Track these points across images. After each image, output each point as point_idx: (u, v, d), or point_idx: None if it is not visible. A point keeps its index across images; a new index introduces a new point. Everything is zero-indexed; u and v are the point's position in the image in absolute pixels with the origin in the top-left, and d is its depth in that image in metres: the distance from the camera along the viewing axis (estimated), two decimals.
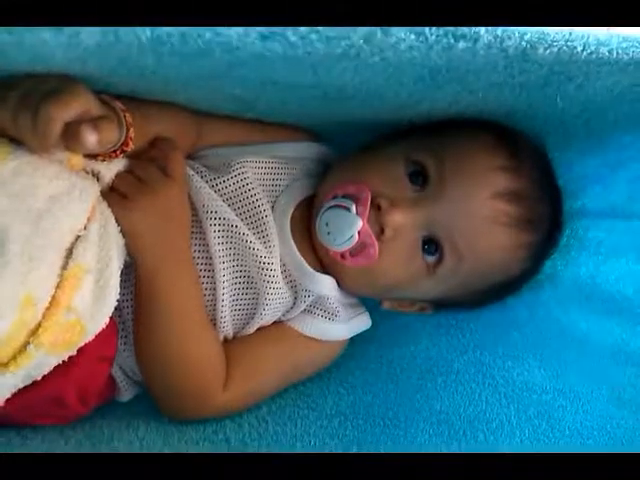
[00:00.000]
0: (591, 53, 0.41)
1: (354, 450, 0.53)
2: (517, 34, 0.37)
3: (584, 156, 0.63)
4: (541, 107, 0.53)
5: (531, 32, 0.38)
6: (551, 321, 0.62)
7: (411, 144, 0.57)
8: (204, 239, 0.56)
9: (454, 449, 0.52)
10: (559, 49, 0.40)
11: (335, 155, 0.65)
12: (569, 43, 0.40)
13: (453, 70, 0.43)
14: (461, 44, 0.37)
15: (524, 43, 0.38)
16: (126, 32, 0.36)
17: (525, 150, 0.58)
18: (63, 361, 0.49)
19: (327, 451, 0.53)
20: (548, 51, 0.40)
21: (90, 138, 0.42)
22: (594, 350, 0.59)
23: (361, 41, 0.36)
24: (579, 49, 0.40)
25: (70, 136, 0.42)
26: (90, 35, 0.36)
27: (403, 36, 0.35)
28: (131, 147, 0.49)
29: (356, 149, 0.61)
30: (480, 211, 0.54)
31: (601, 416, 0.55)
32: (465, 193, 0.54)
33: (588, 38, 0.40)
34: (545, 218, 0.58)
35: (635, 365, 0.57)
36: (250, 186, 0.57)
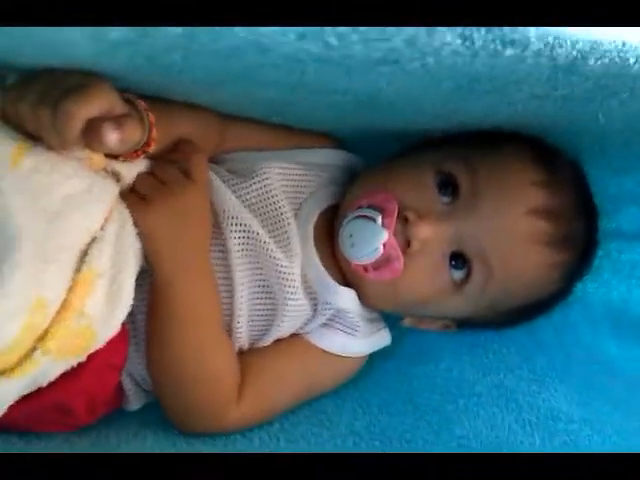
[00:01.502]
0: None
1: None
2: (569, 42, 0.35)
3: (621, 175, 0.61)
4: (581, 122, 0.51)
5: (583, 41, 0.35)
6: (579, 345, 0.59)
7: (442, 154, 0.55)
8: (224, 245, 0.54)
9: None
10: (610, 60, 0.38)
11: (362, 163, 0.62)
12: (621, 54, 0.38)
13: (495, 80, 0.41)
14: (509, 51, 0.35)
15: (575, 52, 0.36)
16: (155, 27, 0.34)
17: (562, 166, 0.56)
18: (72, 368, 0.47)
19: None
20: (599, 62, 0.37)
21: (112, 137, 0.41)
22: (624, 378, 0.57)
23: (403, 44, 0.34)
24: (631, 61, 0.38)
25: (91, 134, 0.41)
26: (118, 29, 0.34)
27: (449, 39, 0.33)
28: (153, 148, 0.48)
29: (384, 158, 0.59)
30: (514, 227, 0.52)
31: (630, 449, 0.52)
32: (499, 208, 0.52)
33: None
34: (581, 237, 0.56)
35: None
36: (273, 192, 0.55)
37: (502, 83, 0.41)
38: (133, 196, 0.49)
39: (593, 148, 0.58)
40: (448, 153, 0.55)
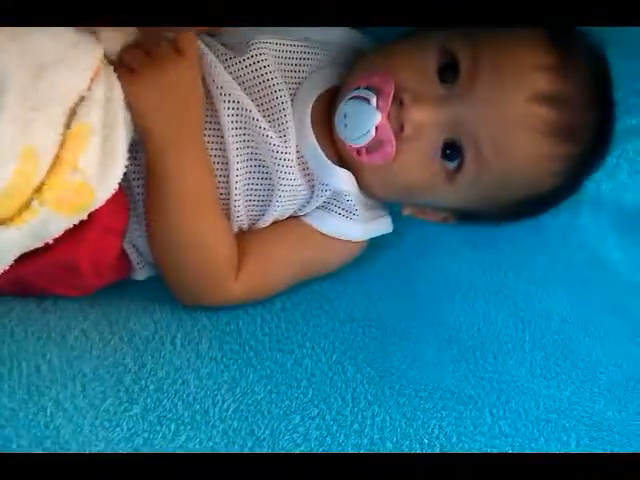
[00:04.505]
0: None
1: (359, 360, 0.53)
2: None
3: None
4: None
5: None
6: (584, 248, 0.59)
7: (447, 33, 0.52)
8: (218, 123, 0.53)
9: (462, 368, 0.52)
10: None
11: (370, 44, 0.59)
12: None
13: None
14: None
15: None
16: None
17: (580, 51, 0.52)
18: (74, 226, 0.48)
19: (335, 356, 0.54)
20: None
21: None
22: (624, 284, 0.57)
23: None
24: None
25: None
26: None
27: None
28: None
29: (392, 39, 0.56)
30: (513, 114, 0.50)
31: (617, 352, 0.54)
32: (499, 93, 0.49)
33: None
34: (590, 129, 0.53)
35: None
36: (268, 69, 0.53)
37: None
38: (121, 68, 0.48)
39: (620, 38, 0.53)
40: (453, 32, 0.51)
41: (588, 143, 0.53)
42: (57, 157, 0.44)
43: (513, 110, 0.49)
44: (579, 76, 0.51)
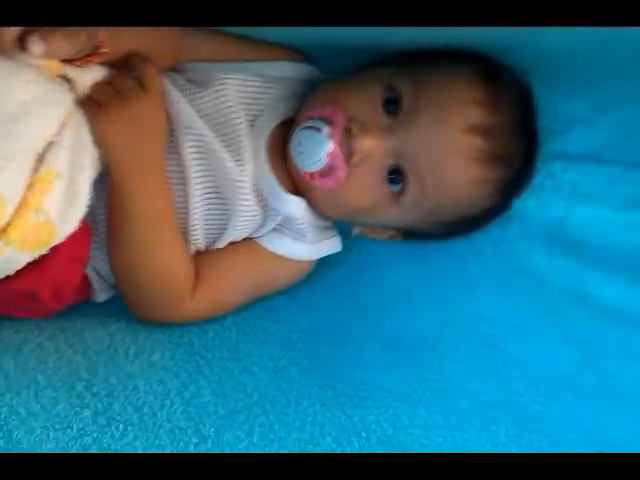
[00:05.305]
0: None
1: (305, 365, 0.56)
2: None
3: (570, 98, 0.62)
4: (528, 47, 0.53)
5: None
6: (514, 258, 0.63)
7: (392, 70, 0.57)
8: (179, 153, 0.57)
9: (401, 369, 0.56)
10: None
11: (321, 78, 0.64)
12: None
13: None
14: None
15: None
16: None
17: (506, 85, 0.58)
18: (37, 259, 0.51)
19: (282, 362, 0.57)
20: None
21: (37, 46, 0.44)
22: (550, 290, 0.61)
23: None
24: None
25: (22, 42, 0.44)
26: None
27: None
28: (105, 50, 0.50)
29: (340, 73, 0.61)
30: (450, 143, 0.55)
31: (547, 352, 0.58)
32: (436, 124, 0.55)
33: None
34: (517, 156, 0.58)
35: (588, 307, 0.59)
36: (229, 103, 0.58)
37: None
38: (90, 104, 0.52)
39: (543, 70, 0.59)
40: (397, 69, 0.57)
41: (517, 167, 0.59)
42: (23, 200, 0.47)
43: (449, 140, 0.55)
44: (507, 108, 0.57)
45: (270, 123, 0.60)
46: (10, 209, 0.47)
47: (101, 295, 0.61)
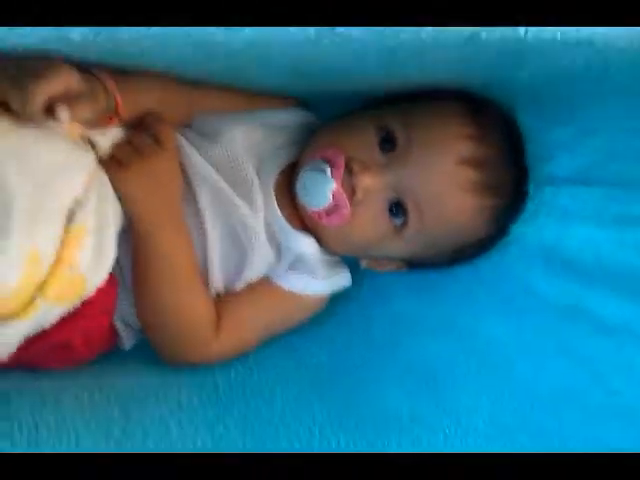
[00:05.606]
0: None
1: (326, 394, 0.59)
2: None
3: (556, 124, 0.65)
4: (510, 82, 0.57)
5: None
6: (514, 281, 0.66)
7: (383, 112, 0.62)
8: (196, 202, 0.61)
9: (422, 396, 0.58)
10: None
11: (320, 122, 0.69)
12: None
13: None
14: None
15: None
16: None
17: (493, 119, 0.62)
18: (69, 312, 0.55)
19: (303, 394, 0.59)
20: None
21: (63, 114, 0.48)
22: (552, 309, 0.63)
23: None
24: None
25: (50, 110, 0.48)
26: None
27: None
28: (123, 113, 0.55)
29: (336, 117, 0.66)
30: (444, 176, 0.59)
31: (553, 369, 0.60)
32: (431, 159, 0.59)
33: None
34: (509, 184, 0.62)
35: (587, 322, 0.61)
36: (238, 153, 0.62)
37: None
38: (112, 162, 0.57)
39: (527, 101, 0.63)
40: (388, 110, 0.62)
41: (509, 194, 0.63)
42: (58, 257, 0.51)
43: (444, 173, 0.59)
44: (495, 140, 0.61)
45: (275, 168, 0.64)
46: (46, 266, 0.51)
47: (128, 342, 0.65)
